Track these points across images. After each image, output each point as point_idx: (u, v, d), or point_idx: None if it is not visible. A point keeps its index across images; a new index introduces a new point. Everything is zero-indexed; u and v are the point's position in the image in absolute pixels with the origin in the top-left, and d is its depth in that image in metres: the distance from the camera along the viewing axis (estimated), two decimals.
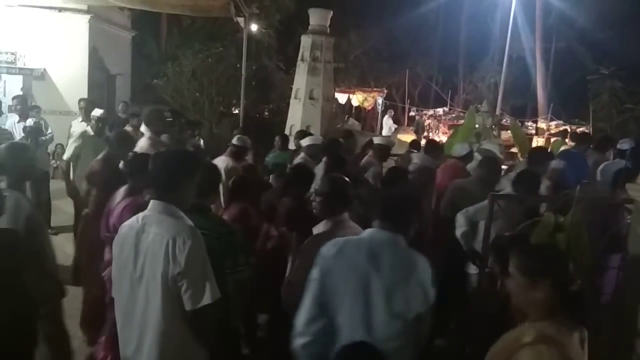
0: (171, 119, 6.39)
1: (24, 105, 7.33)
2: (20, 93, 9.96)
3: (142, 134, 5.95)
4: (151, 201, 2.50)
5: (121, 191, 3.82)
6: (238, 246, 2.97)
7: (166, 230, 2.37)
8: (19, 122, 7.15)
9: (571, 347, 2.02)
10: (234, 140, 6.14)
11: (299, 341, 2.49)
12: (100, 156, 5.12)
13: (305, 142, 6.58)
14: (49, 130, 7.44)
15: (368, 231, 2.62)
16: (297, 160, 6.21)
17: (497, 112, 17.49)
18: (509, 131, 14.91)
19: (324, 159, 5.61)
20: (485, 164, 5.19)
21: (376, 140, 6.78)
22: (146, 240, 2.40)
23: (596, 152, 7.36)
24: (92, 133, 6.47)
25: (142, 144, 5.44)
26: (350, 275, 2.48)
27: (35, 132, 6.50)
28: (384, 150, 6.42)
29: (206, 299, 2.36)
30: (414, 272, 2.51)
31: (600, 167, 5.77)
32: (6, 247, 2.63)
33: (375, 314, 2.44)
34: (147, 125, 5.69)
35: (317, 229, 3.10)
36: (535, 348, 2.00)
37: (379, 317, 2.44)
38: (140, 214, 2.51)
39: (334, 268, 2.50)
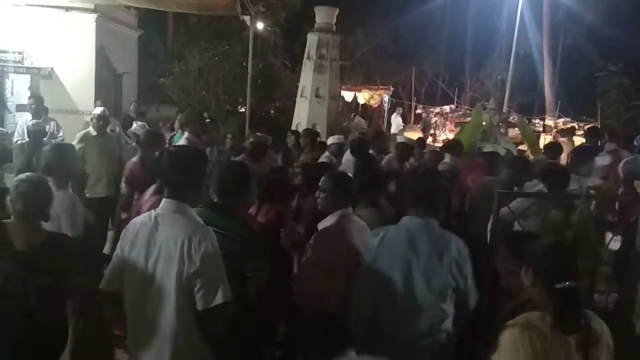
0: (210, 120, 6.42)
1: (38, 105, 7.26)
2: (34, 93, 10.00)
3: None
4: (163, 199, 2.52)
5: (150, 190, 3.84)
6: (260, 250, 2.93)
7: (180, 229, 2.39)
8: (31, 121, 7.13)
9: (551, 339, 2.04)
10: (251, 139, 6.02)
11: (355, 319, 2.77)
12: (135, 159, 5.14)
13: (330, 140, 6.56)
14: (61, 133, 7.36)
15: (404, 219, 2.87)
16: (322, 158, 6.20)
17: (504, 109, 17.40)
18: (516, 128, 14.84)
19: (347, 155, 5.60)
20: (513, 163, 5.13)
21: (399, 139, 6.77)
22: (160, 239, 2.41)
23: (624, 150, 7.37)
24: (94, 133, 6.27)
25: (180, 144, 5.51)
26: (393, 260, 2.76)
27: (36, 134, 6.15)
28: (407, 150, 6.42)
29: (218, 299, 2.37)
30: (448, 250, 2.78)
31: (621, 164, 5.82)
32: (57, 251, 2.73)
33: (417, 291, 2.73)
34: (185, 125, 5.71)
35: (323, 223, 3.17)
36: (512, 330, 2.09)
37: (421, 293, 2.73)
38: (153, 212, 2.51)
39: (379, 255, 2.79)
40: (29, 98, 7.89)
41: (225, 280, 2.42)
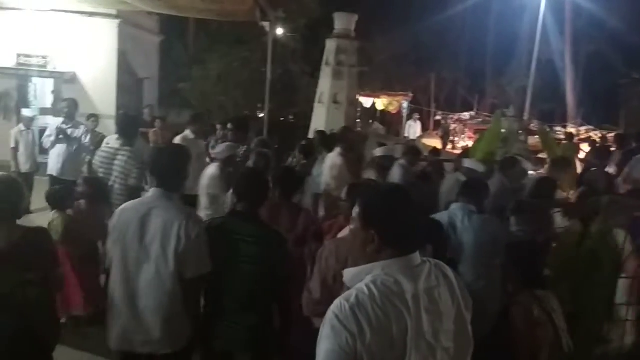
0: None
1: (71, 109, 7.29)
2: (58, 96, 10.12)
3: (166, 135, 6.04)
4: (153, 189, 2.90)
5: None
6: (287, 254, 3.12)
7: (175, 215, 2.81)
8: (62, 123, 7.16)
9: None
10: (378, 153, 5.98)
11: None
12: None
13: (467, 164, 5.92)
14: (88, 138, 7.28)
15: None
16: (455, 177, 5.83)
17: (525, 116, 17.22)
18: (536, 136, 14.66)
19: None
20: None
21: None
22: (155, 222, 2.79)
23: None
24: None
25: (334, 159, 5.98)
26: None
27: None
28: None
29: (203, 270, 2.83)
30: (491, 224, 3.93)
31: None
32: (37, 245, 2.85)
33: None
34: (337, 141, 6.30)
35: (342, 234, 3.20)
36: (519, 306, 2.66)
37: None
38: (144, 200, 2.93)
39: None
40: (63, 101, 7.83)
41: (207, 256, 2.85)
